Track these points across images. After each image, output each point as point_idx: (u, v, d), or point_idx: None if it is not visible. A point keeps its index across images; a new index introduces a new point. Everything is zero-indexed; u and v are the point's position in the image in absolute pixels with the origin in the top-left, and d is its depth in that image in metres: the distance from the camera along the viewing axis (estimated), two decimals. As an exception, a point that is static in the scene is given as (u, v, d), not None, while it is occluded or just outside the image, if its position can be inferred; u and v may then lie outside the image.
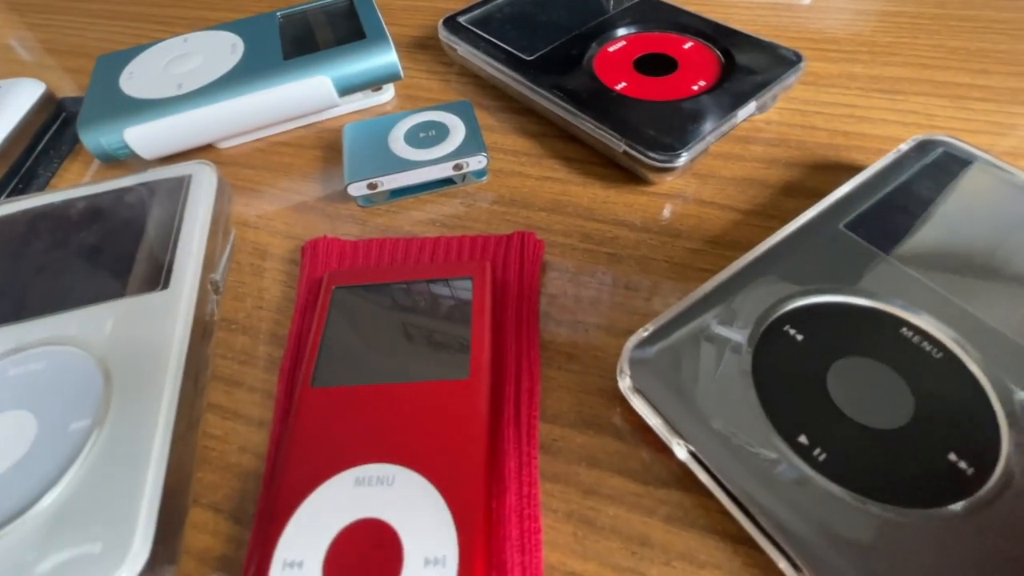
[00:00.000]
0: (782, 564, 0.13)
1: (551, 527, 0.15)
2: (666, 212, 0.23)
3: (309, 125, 0.29)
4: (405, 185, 0.24)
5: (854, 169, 0.23)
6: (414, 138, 0.24)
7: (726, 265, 0.20)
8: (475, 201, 0.24)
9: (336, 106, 0.27)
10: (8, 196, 0.26)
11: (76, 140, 0.30)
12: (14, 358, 0.17)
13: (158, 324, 0.17)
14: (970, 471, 0.13)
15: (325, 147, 0.28)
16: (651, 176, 0.23)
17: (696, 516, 0.15)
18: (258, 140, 0.28)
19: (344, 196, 0.25)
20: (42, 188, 0.27)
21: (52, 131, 0.30)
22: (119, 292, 0.18)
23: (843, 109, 0.26)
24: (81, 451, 0.15)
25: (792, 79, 0.24)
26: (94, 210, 0.21)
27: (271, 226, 0.24)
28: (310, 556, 0.13)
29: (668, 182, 0.24)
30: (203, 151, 0.28)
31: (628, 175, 0.24)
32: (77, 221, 0.21)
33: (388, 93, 0.29)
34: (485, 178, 0.25)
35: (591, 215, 0.23)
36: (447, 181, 0.24)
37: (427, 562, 0.13)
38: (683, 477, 0.16)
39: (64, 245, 0.20)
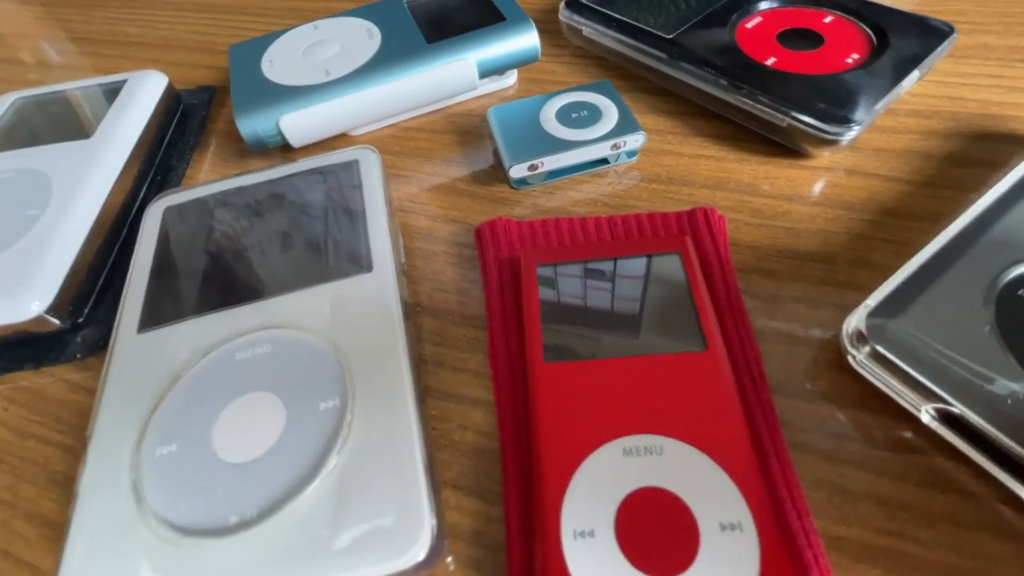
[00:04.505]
0: (1061, 521, 0.14)
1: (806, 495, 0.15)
2: (833, 186, 0.23)
3: (437, 111, 0.29)
4: (563, 166, 0.24)
5: (1018, 138, 0.23)
6: (567, 119, 0.24)
7: (910, 236, 0.21)
8: (628, 180, 0.24)
9: (474, 89, 0.27)
10: (147, 188, 0.26)
11: (200, 131, 0.30)
12: (236, 343, 0.17)
13: (374, 305, 0.18)
14: None
15: (458, 132, 0.28)
16: (812, 150, 0.23)
17: (951, 479, 0.15)
18: (389, 126, 0.28)
19: (492, 178, 0.25)
20: (180, 180, 0.27)
21: (175, 122, 0.30)
22: (327, 275, 0.18)
23: (988, 80, 0.26)
24: (340, 430, 0.15)
25: (946, 50, 0.24)
26: (281, 195, 0.21)
27: (427, 210, 0.24)
28: (600, 525, 0.13)
29: (826, 156, 0.23)
30: (337, 139, 0.28)
31: (782, 150, 0.24)
32: (267, 205, 0.21)
33: (512, 77, 0.29)
34: (635, 158, 0.25)
35: (755, 191, 0.23)
36: (599, 161, 0.24)
37: (723, 527, 0.13)
38: (926, 443, 0.16)
39: (260, 229, 0.20)
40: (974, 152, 0.23)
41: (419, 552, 0.13)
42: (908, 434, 0.16)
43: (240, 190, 0.22)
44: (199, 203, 0.21)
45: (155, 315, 0.18)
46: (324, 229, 0.20)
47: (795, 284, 0.20)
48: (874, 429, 0.16)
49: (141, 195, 0.26)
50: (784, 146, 0.24)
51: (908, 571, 0.14)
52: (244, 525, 0.14)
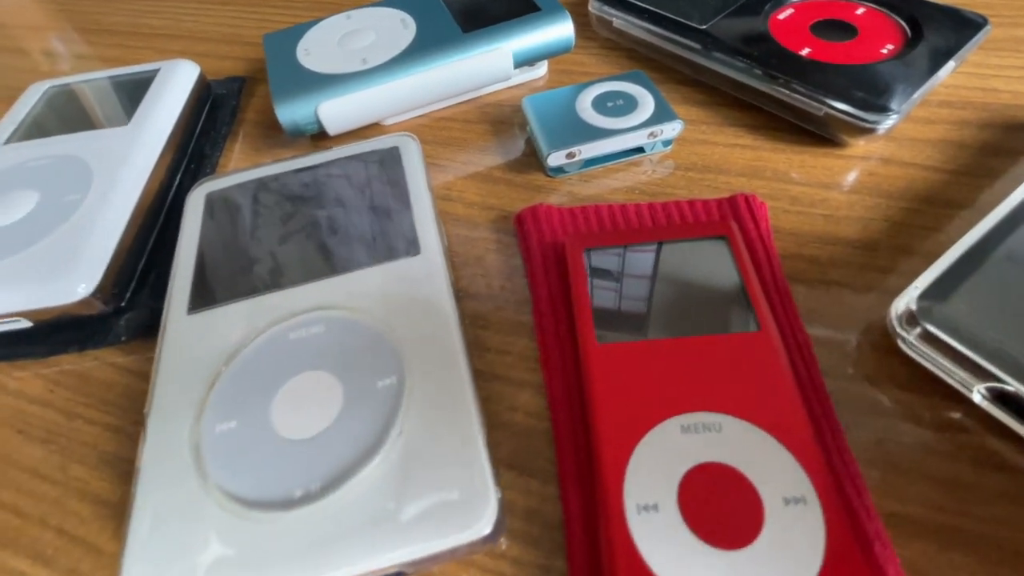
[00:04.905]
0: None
1: (858, 472, 0.16)
2: (869, 174, 0.23)
3: (468, 101, 0.29)
4: (600, 154, 0.24)
5: (1052, 128, 0.23)
6: (602, 107, 0.24)
7: (949, 224, 0.21)
8: (664, 169, 0.24)
9: (508, 79, 0.27)
10: (182, 175, 0.27)
11: (231, 120, 0.30)
12: (289, 323, 0.17)
13: (425, 287, 0.18)
14: None
15: (491, 122, 0.28)
16: (848, 139, 0.23)
17: (1004, 458, 0.15)
18: (421, 116, 0.28)
19: (527, 166, 0.25)
20: (213, 167, 0.27)
21: (206, 112, 0.30)
22: (377, 258, 0.19)
23: (1020, 72, 0.26)
24: (399, 406, 0.15)
25: (980, 41, 0.24)
26: (325, 180, 0.21)
27: (464, 198, 0.24)
28: (664, 499, 0.14)
29: (861, 145, 0.24)
30: (370, 129, 0.28)
31: (816, 139, 0.24)
32: (311, 190, 0.21)
33: (542, 68, 0.29)
34: (670, 147, 0.25)
35: (791, 179, 0.23)
36: (634, 150, 0.25)
37: (787, 501, 0.13)
38: (976, 423, 0.16)
39: (305, 213, 0.20)
40: (1008, 142, 0.23)
41: (486, 525, 0.13)
42: (958, 415, 0.16)
43: (282, 175, 0.22)
44: (242, 187, 0.22)
45: (204, 296, 0.18)
46: (369, 213, 0.20)
47: (838, 269, 0.20)
48: (924, 410, 0.16)
49: (176, 182, 0.26)
50: (818, 135, 0.24)
51: (966, 546, 0.14)
52: (309, 498, 0.14)
